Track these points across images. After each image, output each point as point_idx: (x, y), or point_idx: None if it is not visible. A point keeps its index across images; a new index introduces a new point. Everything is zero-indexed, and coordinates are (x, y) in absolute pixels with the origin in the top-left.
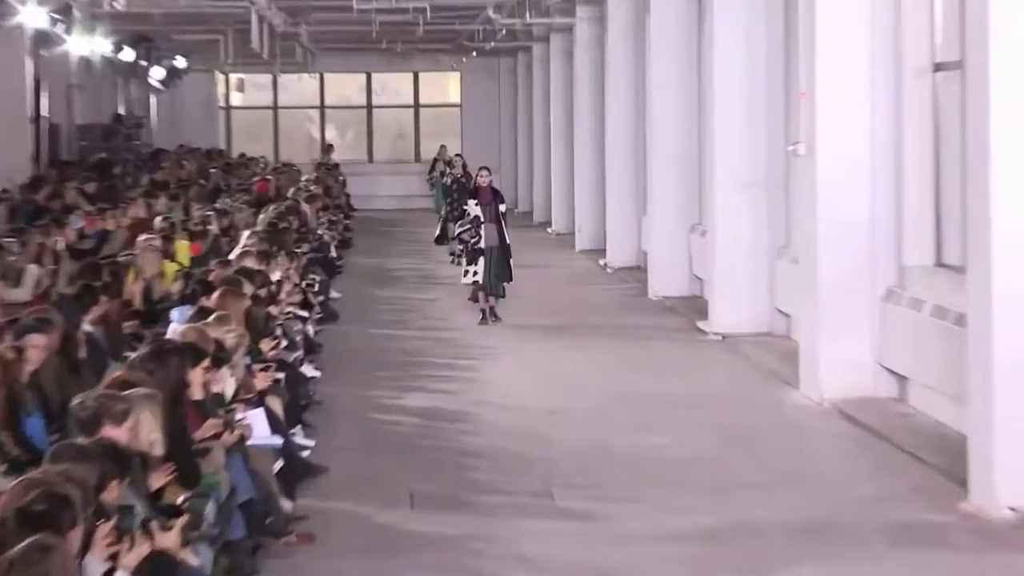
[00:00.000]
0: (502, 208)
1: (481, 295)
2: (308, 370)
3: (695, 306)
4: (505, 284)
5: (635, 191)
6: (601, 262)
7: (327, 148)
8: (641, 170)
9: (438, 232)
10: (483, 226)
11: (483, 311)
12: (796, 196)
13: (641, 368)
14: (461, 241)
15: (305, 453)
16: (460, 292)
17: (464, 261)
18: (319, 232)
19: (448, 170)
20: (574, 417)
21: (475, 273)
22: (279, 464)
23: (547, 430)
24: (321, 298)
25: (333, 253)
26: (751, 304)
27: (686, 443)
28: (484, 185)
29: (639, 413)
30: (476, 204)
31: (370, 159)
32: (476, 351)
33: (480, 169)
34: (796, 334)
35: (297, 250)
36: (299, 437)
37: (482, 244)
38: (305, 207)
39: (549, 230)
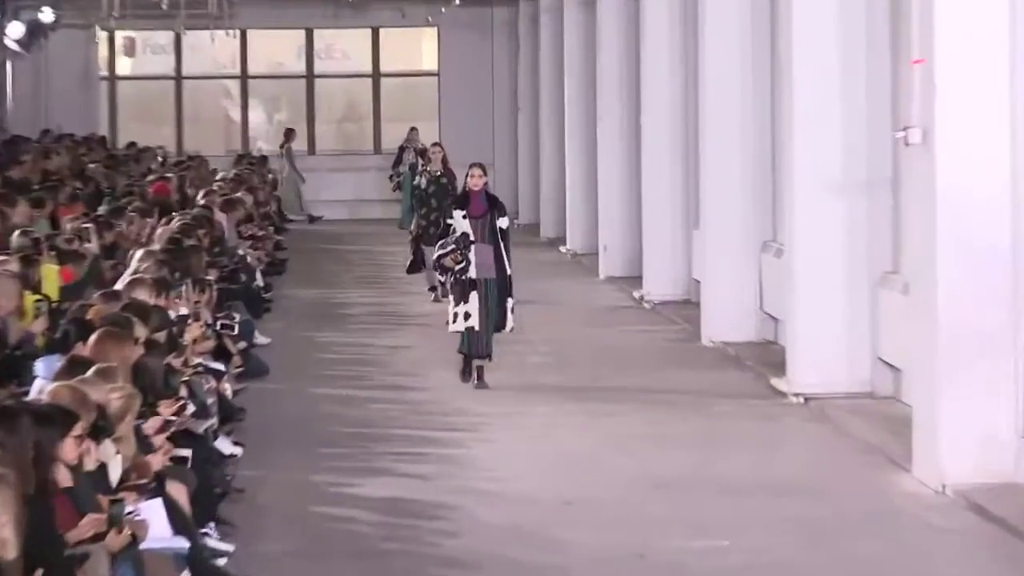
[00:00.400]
0: (502, 223)
1: (462, 346)
2: (225, 445)
3: (767, 356)
4: (498, 335)
5: (683, 197)
6: (636, 294)
7: (287, 133)
8: (691, 169)
9: (411, 258)
10: (473, 248)
11: (464, 365)
12: (907, 202)
13: (691, 443)
14: (441, 269)
15: (221, 561)
16: (440, 338)
17: (451, 298)
18: (240, 252)
19: (422, 166)
20: (597, 511)
21: (467, 316)
22: None
23: (558, 529)
24: (243, 345)
25: (259, 282)
26: (846, 354)
27: (754, 547)
28: (476, 190)
29: (688, 506)
30: (464, 216)
31: (311, 149)
32: (461, 419)
33: (471, 168)
34: (908, 396)
35: (209, 277)
36: (213, 539)
37: (473, 273)
38: (220, 217)
39: (563, 249)
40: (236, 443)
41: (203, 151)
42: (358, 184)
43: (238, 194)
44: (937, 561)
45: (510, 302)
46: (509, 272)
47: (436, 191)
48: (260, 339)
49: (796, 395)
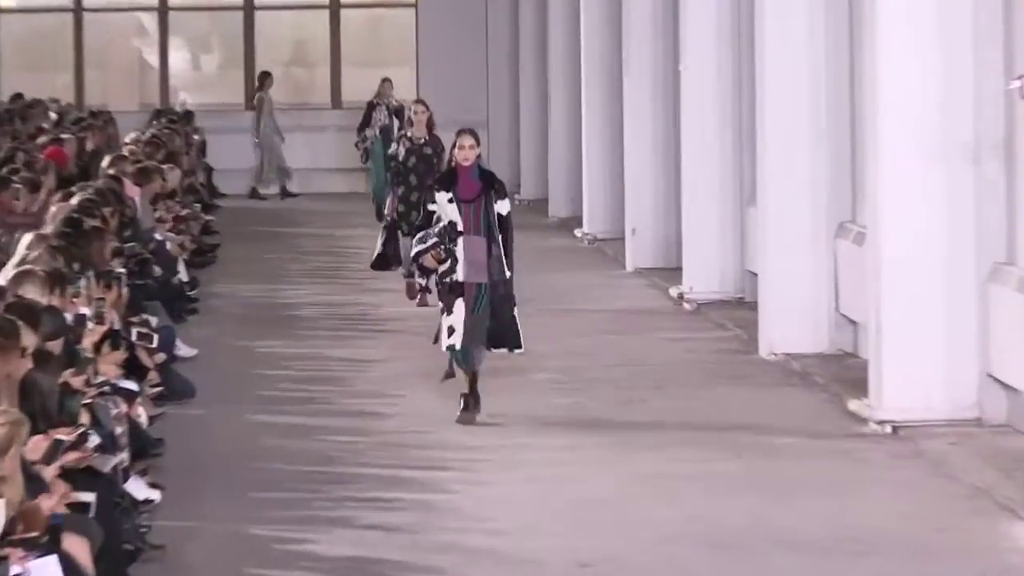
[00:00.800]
0: (500, 208)
1: (452, 363)
2: (138, 488)
3: (844, 373)
4: (504, 350)
5: (734, 166)
6: (673, 291)
7: (262, 78)
8: (745, 131)
9: (378, 248)
10: (461, 242)
11: (462, 397)
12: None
13: (746, 486)
14: (421, 270)
15: None
16: (418, 349)
17: (441, 306)
18: (157, 237)
19: (399, 130)
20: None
21: (451, 331)
22: None
23: None
24: (161, 357)
25: (183, 275)
26: (946, 371)
27: None
28: (466, 164)
29: (744, 570)
30: (451, 200)
31: (249, 104)
32: (444, 455)
33: (459, 136)
34: None
35: (118, 270)
36: None
37: (460, 275)
38: (132, 191)
39: (579, 233)
40: (153, 485)
41: (110, 106)
42: (311, 148)
43: (155, 162)
44: None
45: (513, 311)
46: (509, 275)
47: (418, 164)
48: (184, 350)
49: (881, 423)
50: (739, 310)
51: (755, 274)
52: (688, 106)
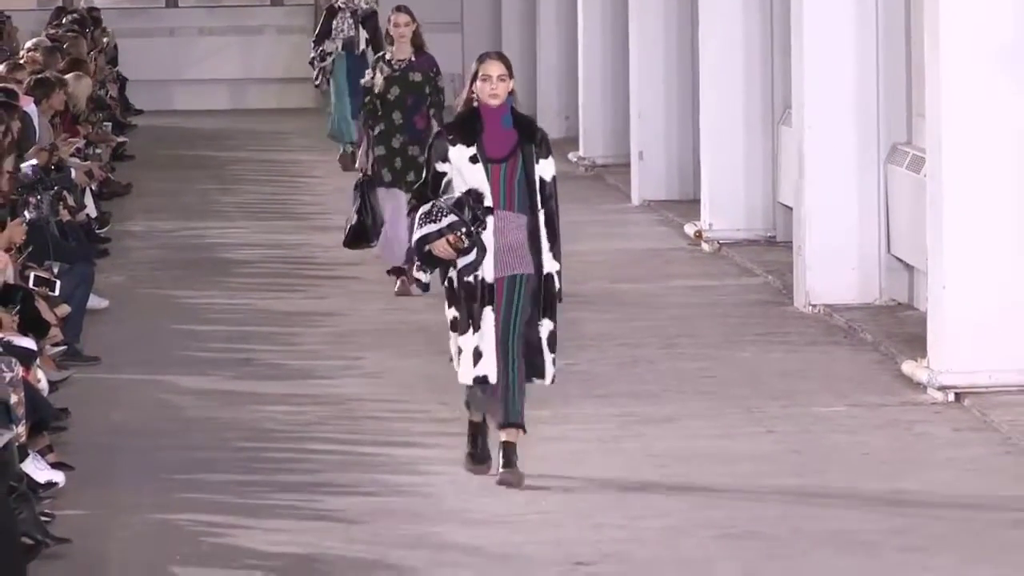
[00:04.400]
0: (543, 169)
1: (473, 406)
2: (38, 469)
3: (898, 328)
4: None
5: (761, 76)
6: (689, 229)
7: None
8: (776, 33)
9: (352, 219)
10: (491, 221)
11: (475, 438)
12: None
13: (780, 465)
14: (426, 259)
15: None
16: (379, 299)
17: (450, 313)
18: (62, 161)
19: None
20: None
21: (478, 356)
22: None
23: None
24: (65, 310)
25: (91, 209)
26: (1022, 327)
27: None
28: (494, 104)
29: (771, 567)
30: (474, 157)
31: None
32: (413, 429)
33: (484, 61)
34: None
35: (19, 203)
36: None
37: (488, 271)
38: (30, 109)
39: (574, 157)
40: (56, 465)
41: (2, 5)
42: (246, 54)
43: (57, 72)
44: None
45: (547, 329)
46: (556, 268)
47: (403, 95)
48: (93, 300)
49: (942, 388)
50: (769, 252)
51: (789, 208)
52: (708, 2)
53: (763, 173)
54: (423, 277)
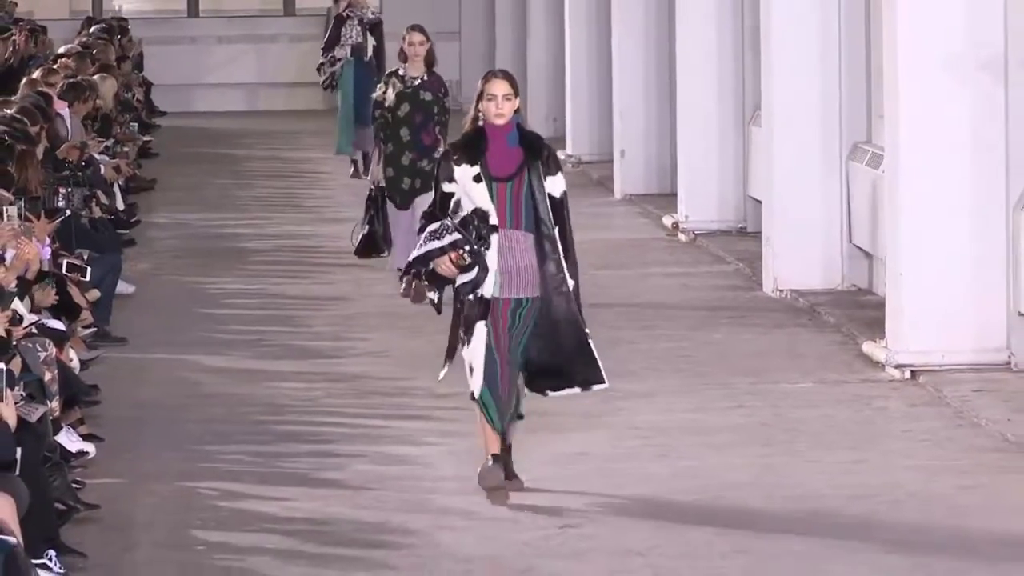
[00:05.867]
0: (552, 188)
1: (485, 423)
2: (71, 440)
3: (858, 312)
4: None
5: (734, 77)
6: (667, 220)
7: None
8: (747, 36)
9: (362, 228)
10: (496, 240)
11: (491, 455)
12: None
13: (746, 438)
14: (430, 278)
15: None
16: (386, 287)
17: (458, 335)
18: (93, 158)
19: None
20: (607, 539)
21: (470, 371)
22: None
23: (554, 563)
24: (96, 295)
25: (119, 202)
26: (974, 309)
27: None
28: (500, 122)
29: (742, 528)
30: (478, 176)
31: (192, 11)
32: (415, 404)
33: (489, 80)
34: None
35: (48, 195)
36: (53, 574)
37: (488, 288)
38: (62, 110)
39: (561, 155)
40: (87, 437)
41: (36, 13)
42: (260, 61)
43: (89, 76)
44: None
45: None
46: (572, 284)
47: (412, 113)
48: (121, 286)
49: (899, 367)
50: (741, 241)
51: (758, 201)
52: (684, 11)
53: (735, 169)
54: (433, 296)
